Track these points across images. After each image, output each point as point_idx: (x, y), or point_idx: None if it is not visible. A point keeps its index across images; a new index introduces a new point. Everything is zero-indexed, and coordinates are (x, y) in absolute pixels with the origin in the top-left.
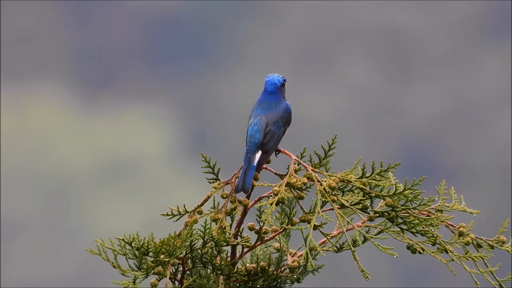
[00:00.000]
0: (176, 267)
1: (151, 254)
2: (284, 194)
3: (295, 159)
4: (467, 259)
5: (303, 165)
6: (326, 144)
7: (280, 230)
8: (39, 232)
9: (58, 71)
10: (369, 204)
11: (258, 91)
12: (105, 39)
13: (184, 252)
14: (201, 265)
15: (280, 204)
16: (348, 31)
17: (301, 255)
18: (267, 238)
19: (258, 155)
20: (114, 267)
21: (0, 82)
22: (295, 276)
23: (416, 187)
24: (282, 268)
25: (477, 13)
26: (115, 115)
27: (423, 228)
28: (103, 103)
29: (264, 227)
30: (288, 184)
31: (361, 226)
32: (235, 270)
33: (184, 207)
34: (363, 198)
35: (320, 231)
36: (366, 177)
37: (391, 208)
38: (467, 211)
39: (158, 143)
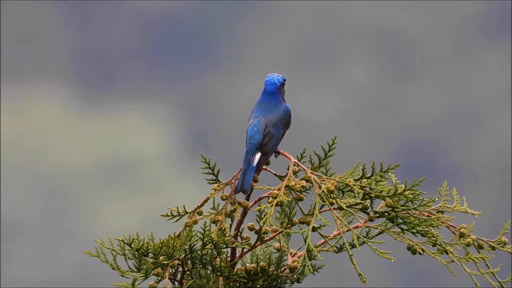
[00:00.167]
0: (175, 267)
1: (150, 255)
2: (283, 197)
3: (294, 161)
4: (467, 260)
5: (302, 168)
6: (326, 144)
7: (280, 230)
8: (39, 232)
9: (58, 71)
10: (369, 205)
11: (258, 91)
12: (105, 39)
13: (183, 254)
14: (201, 266)
15: (280, 205)
16: (348, 31)
17: (301, 256)
18: (267, 238)
19: (257, 156)
20: (113, 268)
21: (0, 82)
22: (295, 276)
23: (416, 188)
24: (282, 268)
25: (477, 13)
26: (115, 115)
27: (423, 228)
28: (103, 103)
29: (264, 227)
30: (287, 187)
31: (361, 227)
32: (235, 271)
33: (184, 208)
34: (363, 199)
35: (319, 233)
36: (366, 178)
37: (391, 209)
38: (469, 213)
39: (158, 143)
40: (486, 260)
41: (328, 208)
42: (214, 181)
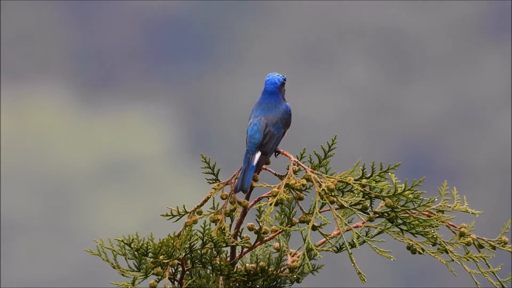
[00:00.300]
0: (175, 267)
1: (150, 254)
2: (283, 195)
3: (294, 160)
4: (467, 260)
5: (302, 166)
6: (326, 144)
7: (280, 230)
8: (39, 232)
9: (58, 71)
10: (368, 205)
11: (258, 91)
12: (105, 39)
13: (183, 253)
14: (201, 265)
15: (280, 204)
16: (348, 31)
17: (300, 255)
18: (267, 238)
19: (257, 155)
20: (114, 267)
21: (0, 82)
22: (294, 276)
23: (416, 188)
24: (282, 268)
25: (477, 13)
26: (115, 115)
27: (423, 229)
28: (103, 103)
29: (263, 227)
30: (287, 186)
31: (361, 227)
32: (235, 270)
33: (184, 207)
34: (362, 199)
35: (319, 231)
36: (366, 178)
37: (390, 209)
38: (469, 212)
39: (158, 143)
40: (486, 259)
41: (328, 208)
42: (214, 181)
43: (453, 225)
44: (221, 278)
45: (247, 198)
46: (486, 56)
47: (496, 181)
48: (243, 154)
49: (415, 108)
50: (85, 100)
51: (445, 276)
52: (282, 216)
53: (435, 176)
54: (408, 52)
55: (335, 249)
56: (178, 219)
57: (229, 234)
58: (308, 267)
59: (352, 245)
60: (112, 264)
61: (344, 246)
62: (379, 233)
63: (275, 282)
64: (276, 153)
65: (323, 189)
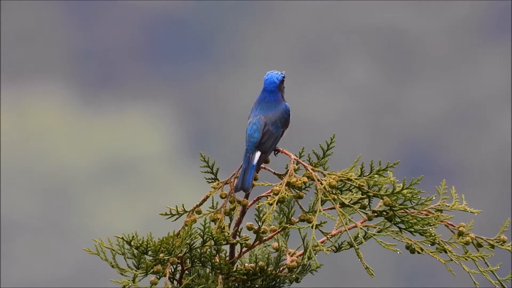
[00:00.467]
0: (175, 266)
1: (150, 253)
2: (285, 193)
3: (294, 159)
4: (466, 259)
5: (303, 164)
6: (325, 144)
7: (279, 230)
8: (39, 232)
9: (58, 71)
10: (367, 204)
11: (258, 91)
12: (105, 39)
13: (184, 250)
14: (200, 265)
15: (279, 204)
16: (348, 31)
17: (300, 255)
18: (266, 237)
19: (257, 154)
20: (113, 266)
21: (0, 82)
22: (293, 276)
23: (414, 187)
24: (281, 268)
25: (477, 13)
26: (115, 115)
27: (421, 227)
28: (103, 103)
29: (262, 227)
30: (288, 184)
31: (360, 225)
32: (234, 269)
33: (183, 206)
34: (361, 197)
35: (320, 230)
36: (365, 176)
37: (389, 208)
38: (468, 211)
39: (158, 143)
40: (485, 258)
41: (327, 207)
42: (213, 180)
43: (451, 224)
44: (220, 277)
45: (247, 197)
46: (486, 56)
47: (496, 181)
48: (242, 154)
49: (415, 108)
50: (85, 100)
51: (444, 275)
52: (281, 216)
53: (435, 176)
54: (408, 52)
55: (334, 248)
56: (177, 218)
57: (229, 233)
58: (316, 264)
59: (351, 245)
60: (111, 263)
61: (343, 245)
62: (378, 232)
63: (274, 282)
64: (276, 152)
65: (324, 187)
